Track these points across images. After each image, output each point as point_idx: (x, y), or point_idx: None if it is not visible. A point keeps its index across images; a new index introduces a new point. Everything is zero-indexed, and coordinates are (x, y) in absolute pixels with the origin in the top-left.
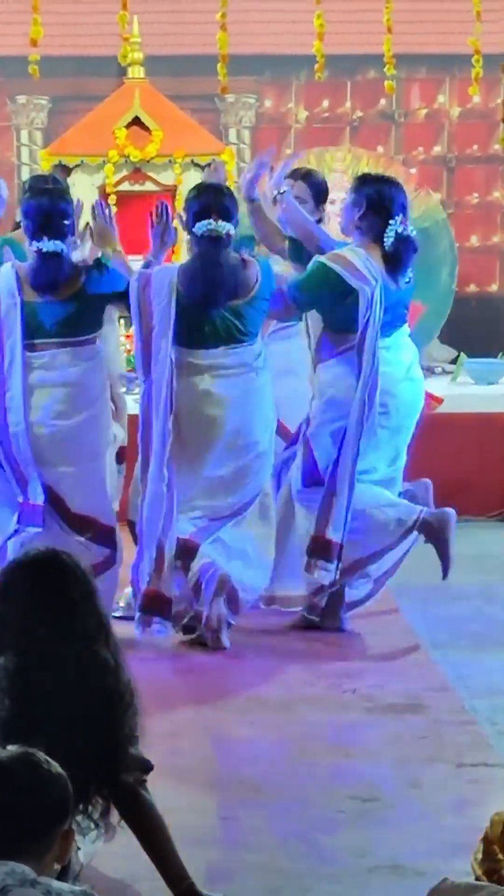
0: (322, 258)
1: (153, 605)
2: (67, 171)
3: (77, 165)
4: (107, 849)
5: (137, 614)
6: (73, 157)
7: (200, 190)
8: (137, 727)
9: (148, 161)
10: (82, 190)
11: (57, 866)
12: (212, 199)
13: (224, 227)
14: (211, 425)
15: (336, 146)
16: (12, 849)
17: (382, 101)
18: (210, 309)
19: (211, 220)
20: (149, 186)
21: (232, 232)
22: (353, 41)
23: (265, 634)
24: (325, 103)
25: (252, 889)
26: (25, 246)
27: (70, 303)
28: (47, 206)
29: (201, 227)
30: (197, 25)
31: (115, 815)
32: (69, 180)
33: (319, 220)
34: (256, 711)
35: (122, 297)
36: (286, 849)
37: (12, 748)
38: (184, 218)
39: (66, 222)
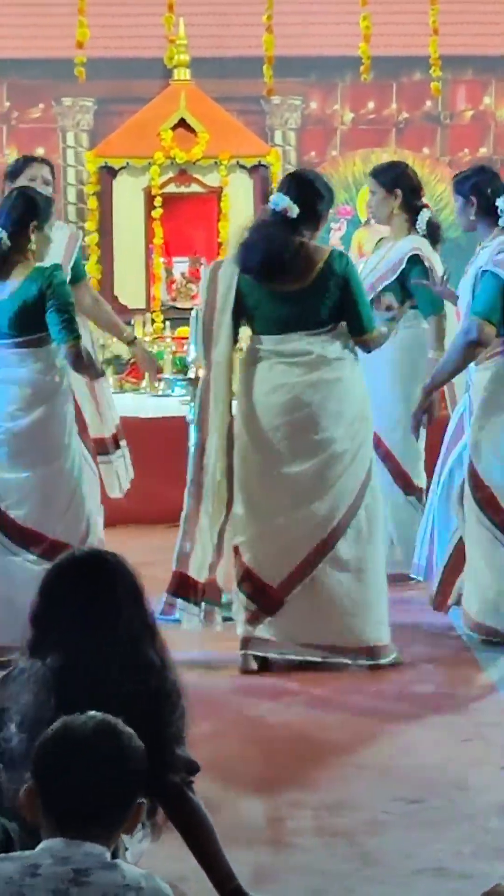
0: (487, 268)
1: (214, 594)
2: (113, 173)
3: (122, 167)
4: (153, 849)
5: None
6: (119, 159)
7: (295, 172)
8: (184, 727)
9: (194, 163)
10: (128, 192)
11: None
12: (291, 180)
13: (285, 202)
14: (276, 413)
15: (381, 148)
16: (94, 821)
17: (428, 103)
18: (259, 283)
19: (280, 194)
20: (194, 188)
21: (293, 214)
22: (398, 43)
23: None
24: (371, 105)
25: (297, 890)
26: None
27: (13, 299)
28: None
29: (271, 201)
30: (243, 27)
31: (161, 816)
32: (114, 182)
33: (415, 210)
34: (302, 713)
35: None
36: (331, 850)
37: (93, 714)
38: None
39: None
